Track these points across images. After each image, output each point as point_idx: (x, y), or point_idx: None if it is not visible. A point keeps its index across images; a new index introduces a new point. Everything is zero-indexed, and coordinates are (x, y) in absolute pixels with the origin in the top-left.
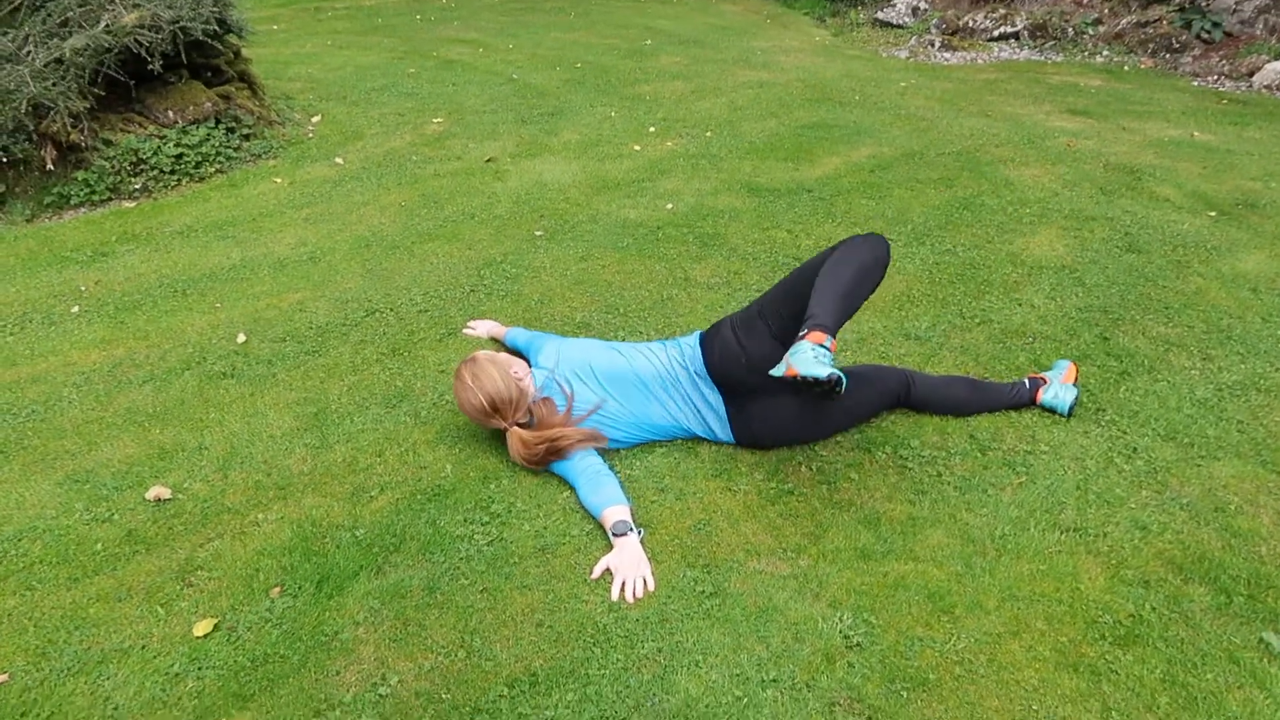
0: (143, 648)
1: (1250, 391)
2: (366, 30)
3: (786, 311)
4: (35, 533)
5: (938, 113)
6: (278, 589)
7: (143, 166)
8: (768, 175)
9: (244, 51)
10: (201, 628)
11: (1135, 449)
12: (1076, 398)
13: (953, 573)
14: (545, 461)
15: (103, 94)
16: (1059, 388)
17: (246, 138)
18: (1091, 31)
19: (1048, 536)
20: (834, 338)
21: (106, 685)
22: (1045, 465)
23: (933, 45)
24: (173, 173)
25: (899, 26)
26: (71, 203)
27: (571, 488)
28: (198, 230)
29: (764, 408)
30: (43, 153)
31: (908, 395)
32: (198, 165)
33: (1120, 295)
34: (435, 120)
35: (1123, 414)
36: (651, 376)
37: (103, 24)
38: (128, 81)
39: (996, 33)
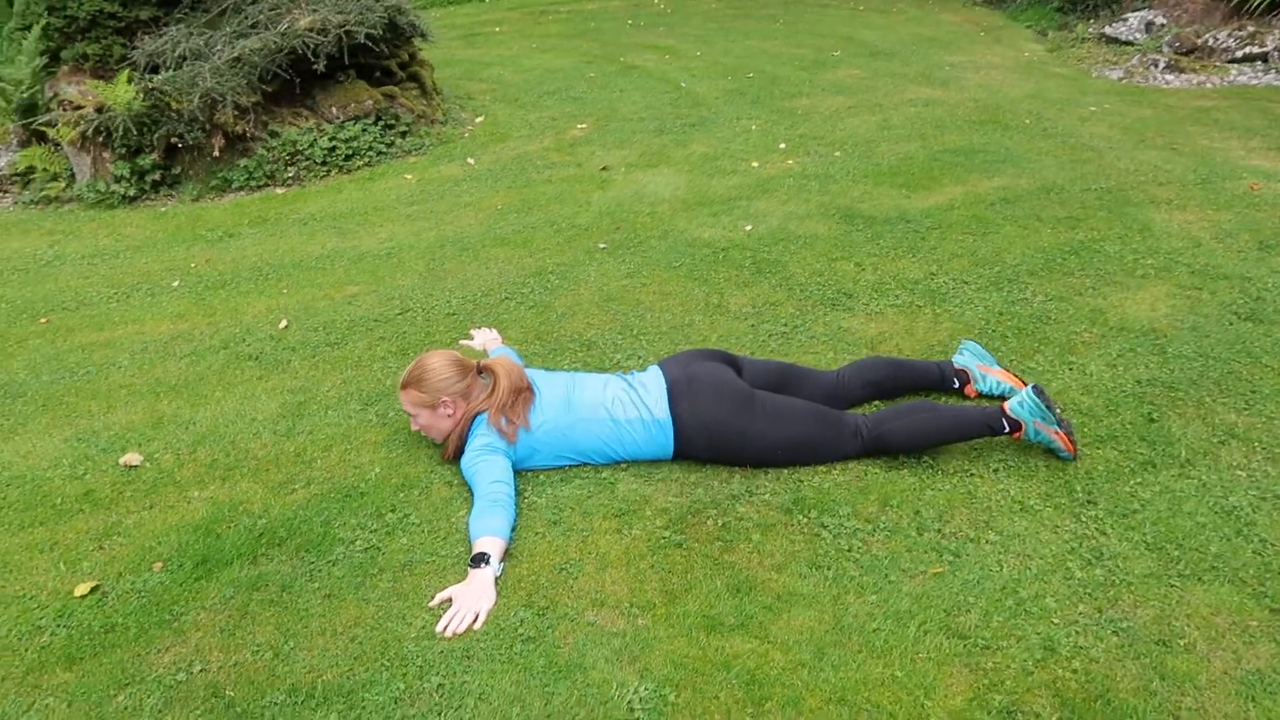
0: (30, 598)
1: None
2: (574, 34)
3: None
4: (22, 480)
5: (1114, 143)
6: (160, 564)
7: (298, 157)
8: (873, 202)
9: (421, 54)
10: (82, 589)
11: (1102, 554)
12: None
13: (796, 661)
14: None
15: (270, 90)
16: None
17: (403, 135)
18: None
19: (927, 640)
20: None
21: None
22: (980, 557)
23: (1155, 66)
24: (323, 164)
25: (1126, 43)
26: (232, 186)
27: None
28: (315, 219)
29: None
30: (212, 140)
31: (861, 443)
32: (347, 158)
33: (1201, 371)
34: (580, 126)
35: (1114, 511)
36: (590, 374)
37: (282, 27)
38: (293, 79)
39: (1240, 53)
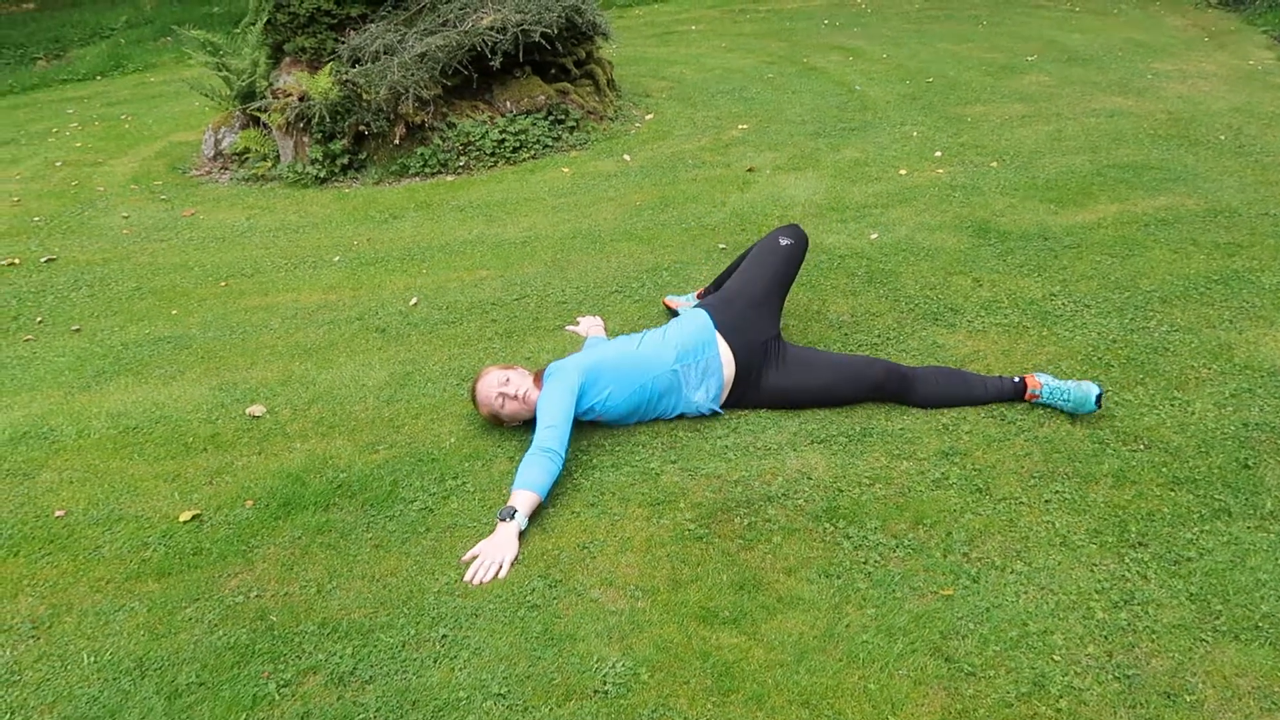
0: (145, 518)
1: None
2: (766, 34)
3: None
4: (167, 420)
5: None
6: (251, 502)
7: (470, 147)
8: (1014, 216)
9: (600, 52)
10: (186, 515)
11: (1133, 598)
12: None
13: (774, 660)
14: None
15: (451, 84)
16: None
17: (571, 130)
18: None
19: (913, 658)
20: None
21: (106, 536)
22: (998, 585)
23: None
24: (492, 154)
25: None
26: (409, 172)
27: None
28: (471, 206)
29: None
30: (395, 129)
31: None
32: (515, 150)
33: None
34: (741, 126)
35: (1164, 556)
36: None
37: (466, 25)
38: (472, 75)
39: None
